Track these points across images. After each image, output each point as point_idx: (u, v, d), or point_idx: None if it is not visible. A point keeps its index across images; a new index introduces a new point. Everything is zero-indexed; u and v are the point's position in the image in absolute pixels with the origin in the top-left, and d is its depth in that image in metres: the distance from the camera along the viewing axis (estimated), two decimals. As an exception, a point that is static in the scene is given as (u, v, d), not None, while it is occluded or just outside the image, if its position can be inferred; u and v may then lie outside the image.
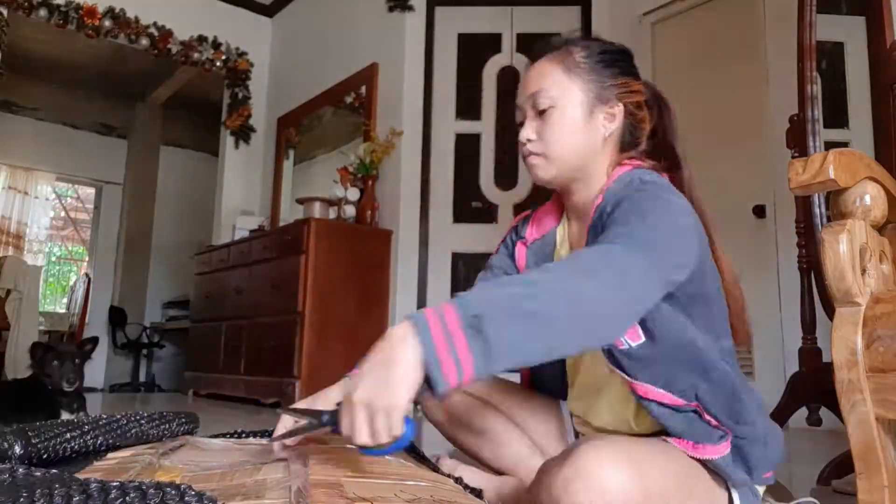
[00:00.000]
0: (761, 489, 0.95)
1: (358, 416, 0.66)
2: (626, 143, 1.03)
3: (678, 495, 0.83)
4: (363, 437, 0.66)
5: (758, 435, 0.93)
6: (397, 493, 0.69)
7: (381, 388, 0.65)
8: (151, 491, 0.58)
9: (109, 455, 0.89)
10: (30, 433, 0.82)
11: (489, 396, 1.15)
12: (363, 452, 0.70)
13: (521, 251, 1.12)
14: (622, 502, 0.74)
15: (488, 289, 0.74)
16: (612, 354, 0.91)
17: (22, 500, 0.56)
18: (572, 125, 0.99)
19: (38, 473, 0.66)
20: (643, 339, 0.89)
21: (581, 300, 0.72)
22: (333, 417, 0.75)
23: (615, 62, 1.02)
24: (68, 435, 0.86)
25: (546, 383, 1.17)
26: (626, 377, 0.90)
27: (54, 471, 0.69)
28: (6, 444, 0.79)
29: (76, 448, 0.87)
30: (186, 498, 0.58)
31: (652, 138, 1.04)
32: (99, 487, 0.59)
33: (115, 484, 0.60)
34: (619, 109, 1.00)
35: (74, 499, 0.57)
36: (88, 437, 0.88)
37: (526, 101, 1.02)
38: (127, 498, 0.57)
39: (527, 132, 1.01)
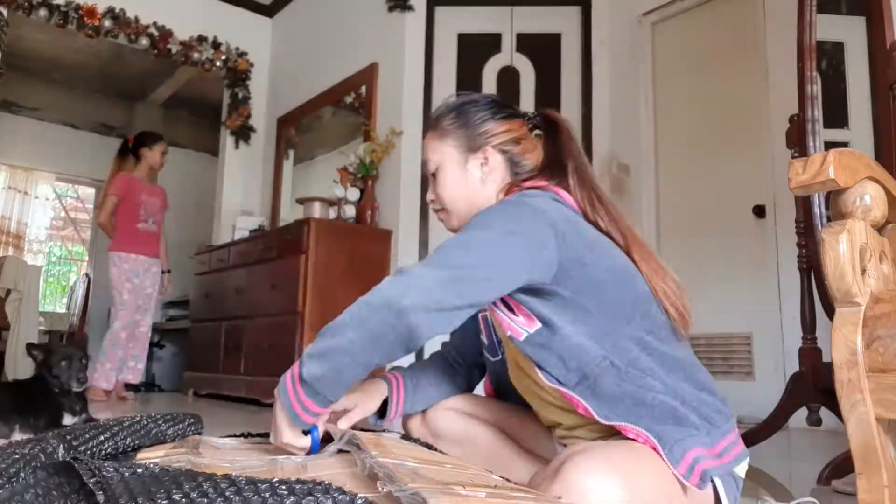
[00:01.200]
0: (740, 469, 0.96)
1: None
2: (518, 173, 1.15)
3: (664, 497, 0.85)
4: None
5: (661, 389, 0.94)
6: (472, 479, 0.76)
7: (275, 434, 0.95)
8: (298, 487, 0.63)
9: (140, 455, 0.92)
10: (68, 436, 0.86)
11: (468, 409, 1.22)
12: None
13: None
14: None
15: (314, 344, 0.92)
16: (524, 353, 0.99)
17: (177, 495, 0.60)
18: (452, 178, 1.16)
19: (157, 470, 0.70)
20: (539, 325, 0.97)
21: (364, 322, 0.90)
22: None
23: (478, 113, 1.16)
24: (102, 437, 0.90)
25: (511, 397, 1.21)
26: (537, 369, 0.98)
27: (169, 468, 0.72)
28: (50, 448, 0.82)
29: (110, 449, 0.90)
30: (333, 493, 0.63)
31: (548, 159, 1.15)
32: (248, 484, 0.63)
33: (261, 481, 0.64)
34: (490, 152, 1.14)
35: (229, 492, 0.62)
36: (119, 438, 0.93)
37: (427, 172, 1.21)
38: (278, 491, 0.62)
39: (428, 195, 1.21)
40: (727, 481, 0.92)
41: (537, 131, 1.18)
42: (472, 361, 1.28)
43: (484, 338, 1.20)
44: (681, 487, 0.87)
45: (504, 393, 1.22)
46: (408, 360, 3.79)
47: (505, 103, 1.21)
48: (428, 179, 1.22)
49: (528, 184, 1.10)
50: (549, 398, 1.03)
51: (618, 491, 0.77)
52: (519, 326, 0.98)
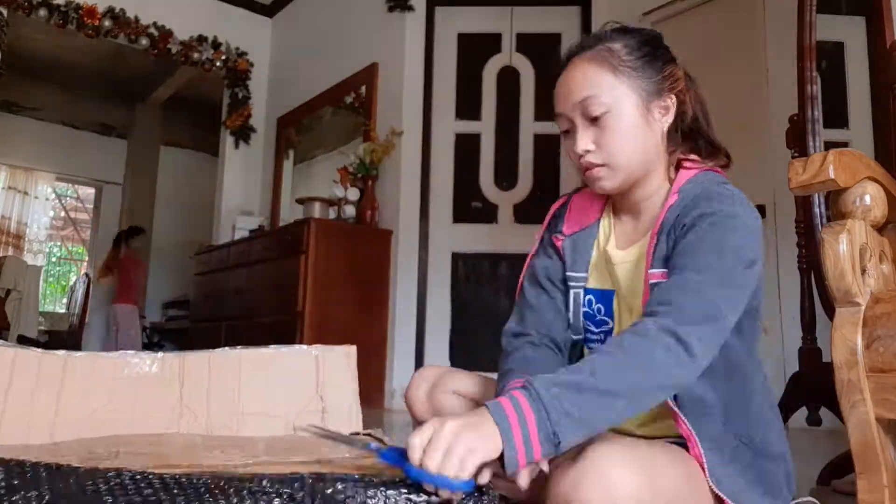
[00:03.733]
0: None
1: (440, 442, 0.71)
2: (678, 136, 1.00)
3: (687, 498, 0.82)
4: (435, 461, 0.70)
5: (773, 455, 0.92)
6: None
7: (472, 438, 0.72)
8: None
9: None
10: None
11: (474, 393, 1.10)
12: (420, 477, 0.72)
13: (558, 244, 1.08)
14: (631, 502, 0.74)
15: (566, 389, 0.76)
16: None
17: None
18: (633, 129, 0.94)
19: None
20: None
21: (640, 395, 0.79)
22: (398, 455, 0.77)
23: (656, 52, 0.98)
24: None
25: None
26: (672, 404, 0.89)
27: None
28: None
29: None
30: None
31: (691, 124, 1.02)
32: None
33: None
34: (672, 101, 0.97)
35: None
36: None
37: (573, 109, 0.95)
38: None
39: (583, 143, 0.95)
40: None
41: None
42: (558, 338, 1.08)
43: (570, 315, 1.05)
44: (707, 497, 0.85)
45: None
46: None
47: (664, 42, 1.03)
48: (568, 122, 0.97)
49: (710, 164, 1.00)
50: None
51: (637, 483, 0.74)
52: None
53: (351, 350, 1.18)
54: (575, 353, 1.08)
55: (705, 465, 0.85)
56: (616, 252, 1.02)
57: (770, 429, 0.93)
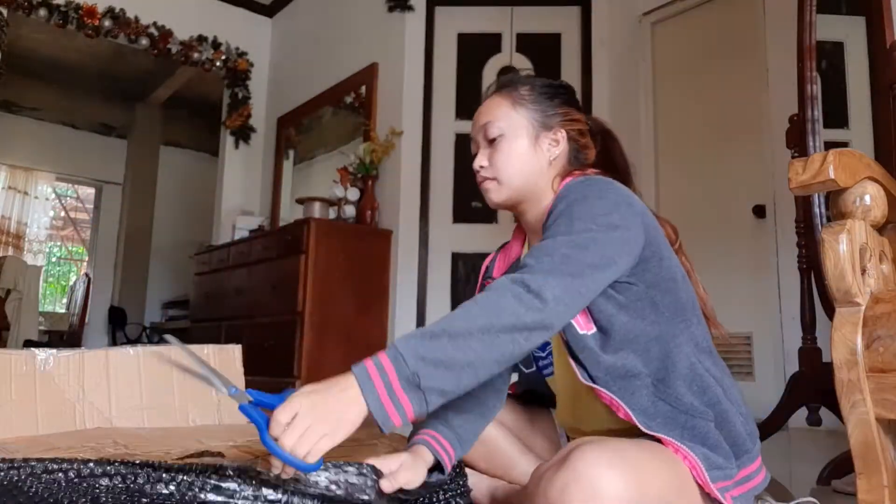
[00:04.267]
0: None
1: (301, 423, 0.76)
2: (574, 166, 1.12)
3: (674, 498, 0.83)
4: (290, 440, 0.75)
5: (712, 415, 0.94)
6: None
7: (331, 420, 0.77)
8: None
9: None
10: None
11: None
12: (274, 450, 0.77)
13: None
14: None
15: (419, 338, 0.82)
16: (569, 346, 0.97)
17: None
18: (519, 151, 1.09)
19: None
20: (594, 329, 0.96)
21: (493, 336, 0.82)
22: (270, 402, 0.82)
23: (557, 94, 1.13)
24: None
25: (534, 388, 1.19)
26: (586, 381, 0.96)
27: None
28: None
29: None
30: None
31: (601, 164, 1.13)
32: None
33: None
34: (562, 135, 1.11)
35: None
36: None
37: (478, 132, 1.13)
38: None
39: (479, 160, 1.12)
40: (746, 500, 0.92)
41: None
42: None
43: None
44: (696, 497, 0.86)
45: (530, 398, 1.20)
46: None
47: (574, 94, 1.18)
48: (476, 144, 1.15)
49: (591, 171, 1.09)
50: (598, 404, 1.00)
51: (625, 486, 0.75)
52: (574, 325, 0.96)
53: (237, 348, 1.32)
54: (537, 385, 1.16)
55: (633, 418, 0.90)
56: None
57: (705, 391, 0.95)
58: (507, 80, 1.15)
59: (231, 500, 0.73)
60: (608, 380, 0.94)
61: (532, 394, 1.22)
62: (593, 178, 1.01)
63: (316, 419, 0.76)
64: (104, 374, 1.07)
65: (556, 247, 0.90)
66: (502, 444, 1.13)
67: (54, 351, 1.05)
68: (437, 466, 0.96)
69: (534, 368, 1.14)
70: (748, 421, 0.98)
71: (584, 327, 0.96)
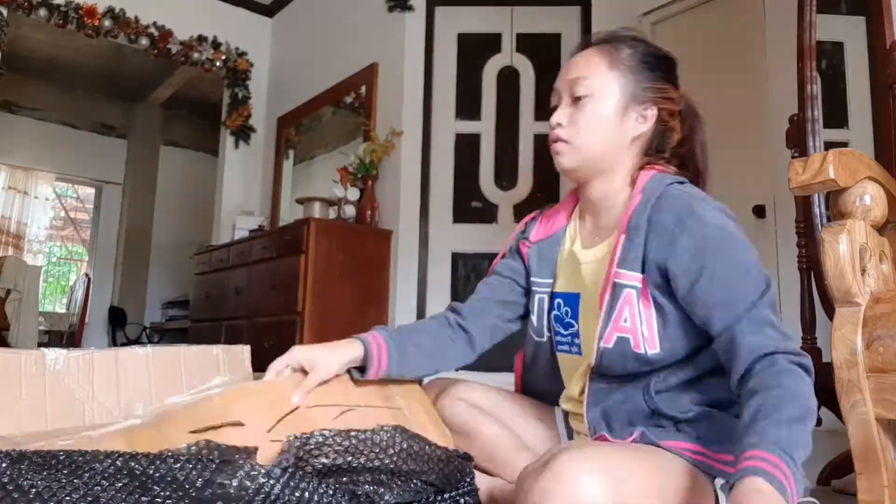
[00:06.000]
0: None
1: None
2: (653, 149, 1.04)
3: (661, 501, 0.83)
4: None
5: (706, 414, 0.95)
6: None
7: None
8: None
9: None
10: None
11: (480, 402, 1.16)
12: None
13: (524, 251, 1.14)
14: None
15: (782, 432, 0.79)
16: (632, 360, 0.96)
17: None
18: (605, 118, 1.00)
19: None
20: (657, 349, 0.94)
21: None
22: None
23: (658, 66, 1.04)
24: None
25: (539, 385, 1.18)
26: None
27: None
28: None
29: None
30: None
31: (678, 149, 1.06)
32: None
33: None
34: (652, 113, 1.02)
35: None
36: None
37: (564, 86, 1.03)
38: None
39: (558, 116, 1.02)
40: None
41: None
42: (485, 324, 1.16)
43: (534, 318, 1.11)
44: (685, 496, 0.86)
45: (535, 368, 1.17)
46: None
47: (676, 72, 1.08)
48: (559, 97, 1.04)
49: (673, 170, 1.03)
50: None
51: (605, 492, 0.75)
52: (643, 341, 0.95)
53: (245, 349, 1.32)
54: (542, 354, 1.13)
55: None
56: (582, 252, 1.06)
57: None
58: (610, 36, 1.05)
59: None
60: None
61: (534, 392, 1.21)
62: (713, 205, 0.99)
63: None
64: (114, 374, 1.07)
65: (767, 314, 0.89)
66: (502, 442, 1.12)
67: (64, 351, 1.05)
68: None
69: (545, 339, 1.11)
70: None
71: (650, 346, 0.95)
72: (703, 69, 3.48)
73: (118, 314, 6.85)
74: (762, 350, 0.85)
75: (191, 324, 5.01)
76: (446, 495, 0.89)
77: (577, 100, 1.00)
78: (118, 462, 0.65)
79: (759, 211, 3.16)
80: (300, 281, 3.66)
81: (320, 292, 3.67)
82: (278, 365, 1.06)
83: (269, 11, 5.40)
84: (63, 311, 7.35)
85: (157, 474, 0.65)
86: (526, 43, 4.00)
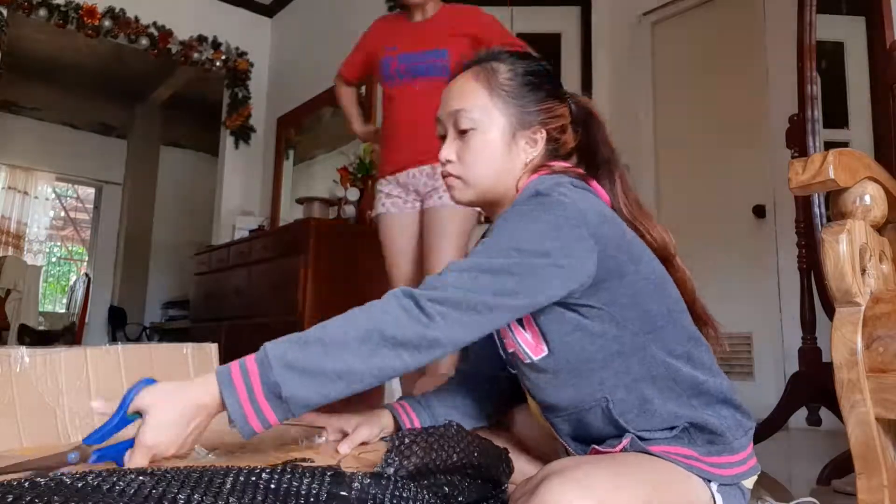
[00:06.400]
0: (748, 482, 0.93)
1: (140, 453, 0.77)
2: (547, 159, 1.01)
3: None
4: (138, 463, 0.76)
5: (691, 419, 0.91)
6: None
7: (170, 437, 0.77)
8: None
9: None
10: None
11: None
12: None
13: None
14: None
15: (291, 343, 0.79)
16: (521, 370, 0.95)
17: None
18: (492, 150, 0.97)
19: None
20: (546, 352, 0.90)
21: (370, 345, 0.78)
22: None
23: (541, 85, 1.00)
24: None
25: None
26: (533, 399, 0.95)
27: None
28: None
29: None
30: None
31: (578, 151, 1.03)
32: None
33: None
34: (541, 136, 0.99)
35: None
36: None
37: (448, 118, 1.00)
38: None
39: (446, 152, 0.99)
40: (732, 493, 0.90)
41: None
42: (493, 374, 1.14)
43: (501, 351, 1.06)
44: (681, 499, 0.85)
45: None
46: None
47: (559, 81, 1.04)
48: (443, 128, 1.01)
49: (558, 164, 0.99)
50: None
51: None
52: (525, 348, 0.92)
53: (213, 347, 1.29)
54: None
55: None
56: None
57: (677, 397, 0.91)
58: (486, 56, 1.01)
59: None
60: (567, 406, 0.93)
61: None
62: (544, 190, 0.89)
63: (156, 446, 0.77)
64: (83, 375, 1.06)
65: (466, 267, 0.83)
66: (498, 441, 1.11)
67: (29, 350, 1.02)
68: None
69: (514, 372, 1.07)
70: (735, 412, 0.94)
71: (536, 352, 0.91)
72: (704, 69, 3.49)
73: (118, 314, 6.85)
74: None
75: (191, 324, 5.01)
76: (498, 490, 0.88)
77: (462, 133, 0.97)
78: (241, 477, 0.66)
79: (759, 211, 3.16)
80: (300, 281, 3.66)
81: (320, 292, 3.67)
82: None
83: (269, 11, 5.40)
84: (63, 311, 7.36)
85: (281, 488, 0.66)
86: (526, 43, 4.00)
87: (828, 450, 1.89)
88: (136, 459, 0.76)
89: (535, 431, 1.12)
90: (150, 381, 0.80)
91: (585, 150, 1.03)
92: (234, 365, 0.79)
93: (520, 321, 0.92)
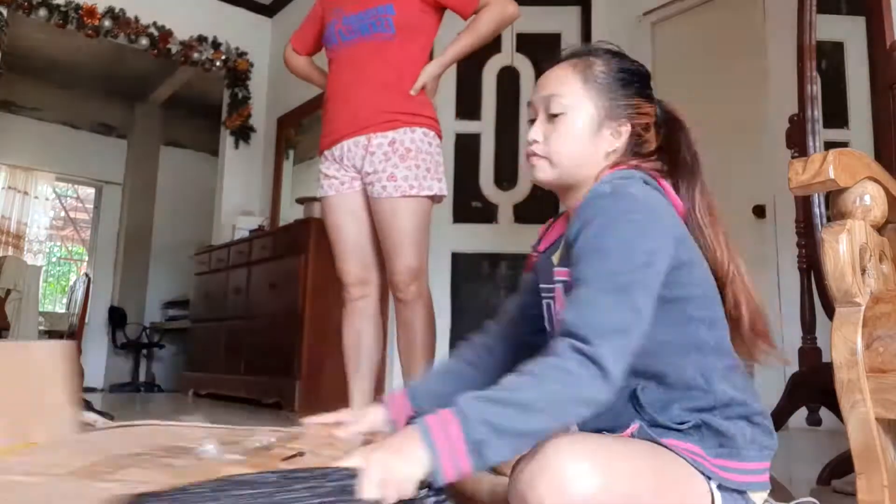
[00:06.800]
0: (757, 497, 0.92)
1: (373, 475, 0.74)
2: (628, 157, 1.05)
3: (649, 496, 0.83)
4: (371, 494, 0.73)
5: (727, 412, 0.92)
6: None
7: (396, 478, 0.74)
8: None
9: None
10: None
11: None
12: None
13: (532, 261, 1.16)
14: (585, 501, 0.75)
15: (487, 404, 0.78)
16: None
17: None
18: (579, 135, 1.02)
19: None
20: None
21: (560, 408, 0.80)
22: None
23: (632, 82, 1.05)
24: None
25: None
26: None
27: None
28: None
29: None
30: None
31: (660, 152, 1.07)
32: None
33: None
34: (626, 129, 1.03)
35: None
36: None
37: (539, 102, 1.05)
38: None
39: (534, 133, 1.04)
40: (736, 499, 0.90)
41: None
42: (511, 342, 1.17)
43: (547, 324, 1.10)
44: (679, 491, 0.86)
45: None
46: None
47: (650, 83, 1.10)
48: (535, 111, 1.06)
49: (635, 162, 1.02)
50: None
51: (593, 479, 0.76)
52: None
53: (66, 345, 1.09)
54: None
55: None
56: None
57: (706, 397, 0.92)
58: (584, 50, 1.07)
59: None
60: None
61: None
62: (623, 185, 0.93)
63: (386, 469, 0.74)
64: None
65: (598, 299, 0.84)
66: None
67: None
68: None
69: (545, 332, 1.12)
70: (752, 433, 0.93)
71: None
72: (703, 69, 3.49)
73: (118, 314, 6.85)
74: (565, 327, 0.83)
75: (191, 324, 5.01)
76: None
77: (552, 116, 1.03)
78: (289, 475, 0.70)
79: (759, 211, 3.16)
80: (300, 281, 3.66)
81: (320, 292, 3.67)
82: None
83: (269, 11, 5.40)
84: (63, 311, 7.36)
85: (342, 486, 0.69)
86: (526, 43, 4.00)
87: (828, 450, 1.89)
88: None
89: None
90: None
91: (667, 151, 1.08)
92: (435, 426, 0.77)
93: None
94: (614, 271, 0.85)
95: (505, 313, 1.21)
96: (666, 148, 1.08)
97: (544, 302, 1.10)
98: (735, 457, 0.90)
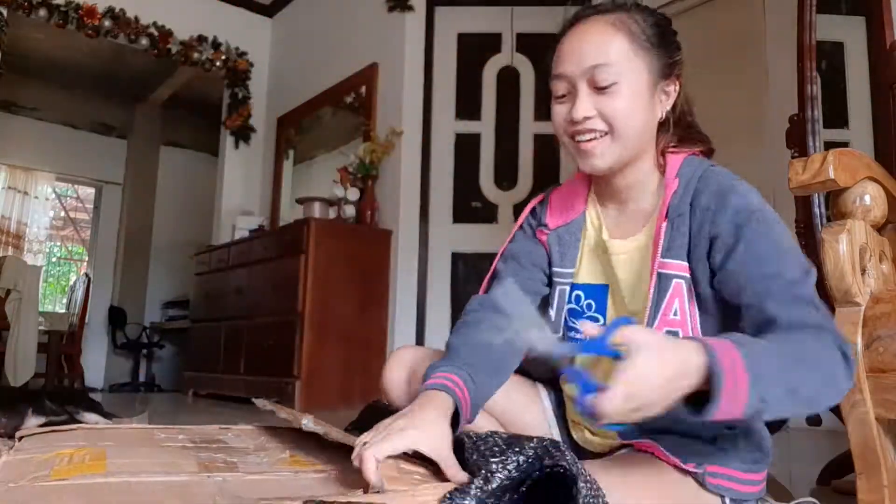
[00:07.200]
0: None
1: (622, 400, 0.65)
2: (667, 125, 0.97)
3: None
4: (617, 409, 0.66)
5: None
6: None
7: (654, 390, 0.66)
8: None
9: None
10: None
11: None
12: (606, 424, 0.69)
13: (542, 238, 1.04)
14: None
15: (775, 367, 0.72)
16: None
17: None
18: (640, 103, 0.89)
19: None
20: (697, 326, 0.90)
21: (828, 388, 0.75)
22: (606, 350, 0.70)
23: (673, 34, 0.94)
24: None
25: (538, 370, 1.10)
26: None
27: None
28: None
29: None
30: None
31: (679, 121, 0.99)
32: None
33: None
34: (674, 87, 0.94)
35: None
36: None
37: (582, 75, 0.88)
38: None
39: (584, 108, 0.88)
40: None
41: None
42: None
43: (552, 311, 1.00)
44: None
45: (534, 363, 1.04)
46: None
47: None
48: (569, 85, 0.90)
49: (692, 151, 0.96)
50: None
51: None
52: (685, 317, 0.89)
53: None
54: None
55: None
56: (615, 242, 0.98)
57: None
58: (615, 6, 0.92)
59: None
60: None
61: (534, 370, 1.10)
62: (722, 173, 0.89)
63: (641, 400, 0.66)
64: None
65: (809, 294, 0.80)
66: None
67: None
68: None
69: (559, 334, 1.02)
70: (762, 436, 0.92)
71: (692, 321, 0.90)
72: (703, 69, 3.48)
73: (118, 314, 6.85)
74: (804, 322, 0.77)
75: (191, 324, 5.01)
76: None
77: (601, 89, 0.87)
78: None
79: (759, 211, 3.16)
80: (300, 281, 3.66)
81: (320, 292, 3.67)
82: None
83: (269, 11, 5.40)
84: (63, 311, 7.35)
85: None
86: (526, 43, 4.00)
87: (828, 450, 1.89)
88: (612, 395, 0.64)
89: (526, 418, 1.07)
90: (629, 321, 0.70)
91: (686, 121, 0.99)
92: (724, 354, 0.69)
93: (693, 306, 0.89)
94: (797, 264, 0.83)
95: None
96: (684, 117, 0.99)
97: (557, 287, 1.01)
98: (760, 469, 0.89)
